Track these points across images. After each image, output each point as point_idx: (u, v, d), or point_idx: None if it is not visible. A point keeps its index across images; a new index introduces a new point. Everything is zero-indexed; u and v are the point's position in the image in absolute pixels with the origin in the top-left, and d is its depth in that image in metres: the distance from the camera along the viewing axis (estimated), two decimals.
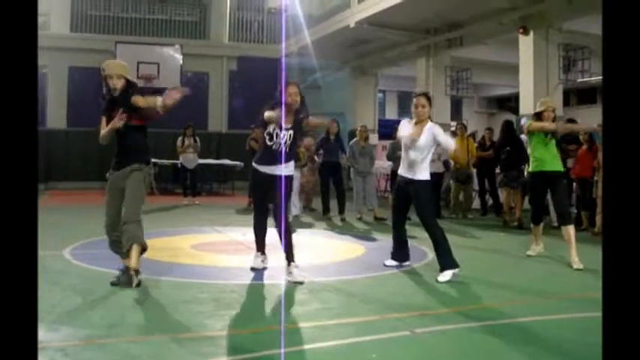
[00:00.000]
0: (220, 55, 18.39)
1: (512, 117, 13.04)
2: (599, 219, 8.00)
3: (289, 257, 5.03)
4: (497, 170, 10.17)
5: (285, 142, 5.10)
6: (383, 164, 12.63)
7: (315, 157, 10.10)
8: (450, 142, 5.55)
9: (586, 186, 8.59)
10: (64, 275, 5.00)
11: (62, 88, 16.96)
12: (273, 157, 5.10)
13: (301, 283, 4.86)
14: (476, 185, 11.15)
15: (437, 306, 4.31)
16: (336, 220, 9.69)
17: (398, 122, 5.93)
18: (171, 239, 7.22)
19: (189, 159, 12.48)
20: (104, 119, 4.77)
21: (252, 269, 5.32)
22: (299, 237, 7.70)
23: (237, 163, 14.56)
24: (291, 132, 5.11)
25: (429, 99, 5.53)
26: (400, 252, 5.72)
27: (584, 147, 8.58)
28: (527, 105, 10.70)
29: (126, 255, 4.65)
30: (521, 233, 8.20)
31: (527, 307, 4.37)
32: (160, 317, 3.85)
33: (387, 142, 11.85)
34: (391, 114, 21.76)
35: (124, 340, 3.31)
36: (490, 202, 11.03)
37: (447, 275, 5.11)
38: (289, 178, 5.20)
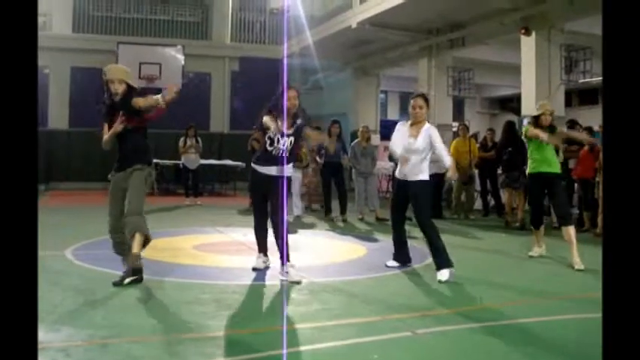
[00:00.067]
0: (222, 55, 18.41)
1: (514, 117, 13.01)
2: (601, 220, 8.00)
3: (285, 257, 5.05)
4: (499, 171, 10.16)
5: (286, 148, 5.15)
6: (384, 165, 12.62)
7: (317, 158, 10.10)
8: (445, 155, 5.53)
9: (588, 187, 8.59)
10: (65, 275, 5.01)
11: (64, 89, 16.99)
12: (272, 159, 5.12)
13: (298, 282, 4.87)
14: (478, 186, 11.15)
15: (438, 307, 4.31)
16: (338, 220, 9.70)
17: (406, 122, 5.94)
18: (173, 240, 7.22)
19: (191, 159, 12.49)
20: (106, 125, 4.80)
21: (254, 270, 5.33)
22: (301, 238, 7.73)
23: (239, 163, 14.57)
24: (292, 138, 5.17)
25: (426, 100, 5.58)
26: (400, 253, 5.72)
27: (586, 148, 8.57)
28: (529, 106, 10.68)
29: (128, 251, 4.69)
30: (523, 234, 8.19)
31: (528, 307, 4.37)
32: (161, 318, 3.85)
33: (389, 143, 11.84)
34: (393, 115, 21.73)
35: (126, 341, 3.31)
36: (492, 202, 11.02)
37: (445, 274, 5.12)
38: (288, 179, 5.24)
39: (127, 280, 4.60)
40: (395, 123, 6.00)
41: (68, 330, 3.46)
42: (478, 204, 11.33)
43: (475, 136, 13.77)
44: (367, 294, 4.67)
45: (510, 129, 9.67)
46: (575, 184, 9.11)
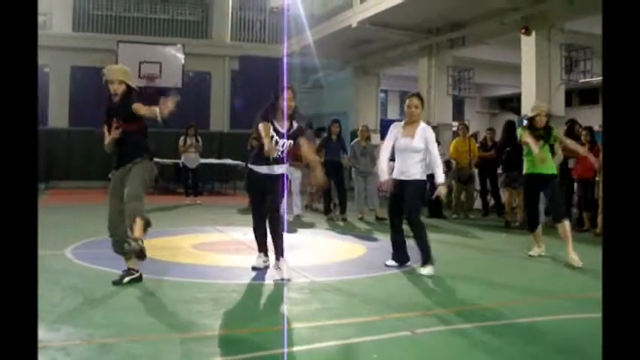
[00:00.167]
0: (222, 54, 18.40)
1: (514, 117, 12.99)
2: (600, 220, 7.99)
3: (280, 252, 5.10)
4: (499, 170, 10.16)
5: (285, 149, 5.20)
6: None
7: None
8: (438, 166, 5.57)
9: (587, 186, 8.58)
10: (65, 275, 5.01)
11: (64, 88, 16.99)
12: (268, 158, 5.13)
13: (288, 280, 4.90)
14: (477, 185, 11.15)
15: (438, 306, 4.30)
16: (338, 220, 9.70)
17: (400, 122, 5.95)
18: (173, 239, 7.22)
19: (191, 158, 12.49)
20: (105, 127, 4.81)
21: (254, 269, 5.33)
22: (300, 237, 7.74)
23: (239, 162, 14.55)
24: (290, 141, 5.22)
25: (422, 100, 5.69)
26: (399, 253, 5.72)
27: (586, 147, 8.55)
28: (529, 105, 10.60)
29: (130, 256, 4.67)
30: (523, 233, 8.18)
31: (528, 307, 4.37)
32: (161, 317, 3.85)
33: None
34: (393, 114, 21.72)
35: (125, 340, 3.31)
36: (492, 202, 11.02)
37: (427, 269, 5.31)
38: (285, 177, 5.32)
39: (127, 279, 4.61)
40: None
41: (68, 329, 3.46)
42: (478, 203, 11.33)
43: (475, 135, 13.77)
44: (366, 293, 4.67)
45: (510, 129, 9.66)
46: (575, 184, 9.10)
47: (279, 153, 5.14)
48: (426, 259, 5.40)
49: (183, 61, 16.90)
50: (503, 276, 5.63)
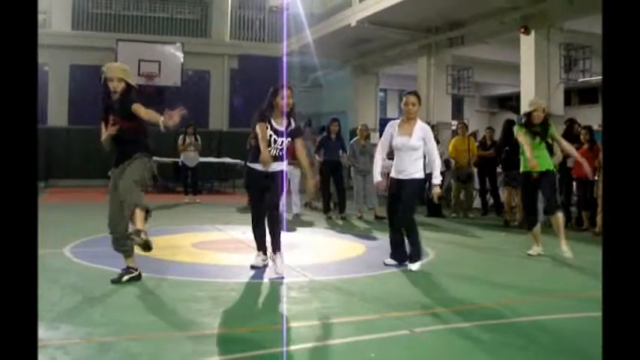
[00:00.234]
0: (221, 53, 18.38)
1: (513, 116, 13.00)
2: (599, 219, 8.00)
3: (277, 247, 5.11)
4: (498, 170, 10.16)
5: (284, 147, 5.23)
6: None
7: (317, 157, 10.10)
8: (437, 167, 5.62)
9: (587, 186, 8.58)
10: (64, 273, 5.01)
11: (63, 86, 16.97)
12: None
13: (282, 277, 4.92)
14: (477, 184, 11.15)
15: (436, 305, 4.30)
16: (337, 218, 9.70)
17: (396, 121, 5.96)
18: (172, 237, 7.22)
19: (190, 157, 12.49)
20: (103, 124, 4.80)
21: (253, 267, 5.33)
22: (300, 236, 7.73)
23: (238, 161, 14.53)
24: (289, 139, 5.24)
25: (419, 98, 5.72)
26: (398, 252, 5.73)
27: (585, 147, 8.56)
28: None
29: (129, 254, 4.67)
30: (522, 233, 8.18)
31: (527, 306, 4.36)
32: (160, 315, 3.85)
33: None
34: (392, 113, 21.71)
35: (124, 338, 3.31)
36: (491, 201, 11.03)
37: (416, 265, 5.47)
38: (284, 174, 5.33)
39: (126, 278, 4.61)
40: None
41: (67, 327, 3.46)
42: (477, 203, 11.34)
43: (474, 134, 13.78)
44: (365, 292, 4.67)
45: (510, 128, 9.65)
46: (574, 183, 9.10)
47: (279, 151, 5.17)
48: (416, 256, 5.52)
49: (182, 60, 16.88)
50: (502, 275, 5.63)
